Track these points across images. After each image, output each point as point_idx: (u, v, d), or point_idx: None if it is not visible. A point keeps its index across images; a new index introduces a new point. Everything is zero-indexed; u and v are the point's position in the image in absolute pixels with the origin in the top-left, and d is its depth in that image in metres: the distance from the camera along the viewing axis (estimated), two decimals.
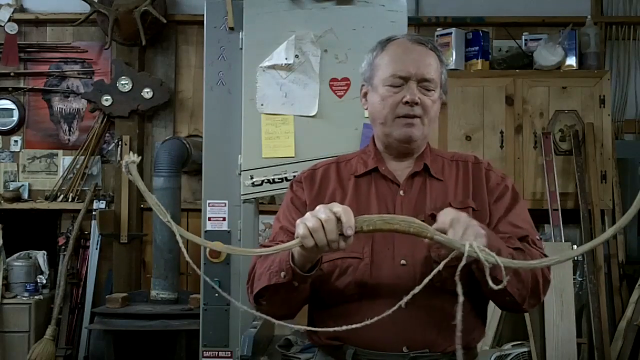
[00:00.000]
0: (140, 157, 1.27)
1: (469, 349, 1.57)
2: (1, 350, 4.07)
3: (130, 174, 1.25)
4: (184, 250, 1.29)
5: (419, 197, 1.59)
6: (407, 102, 1.55)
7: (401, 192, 1.59)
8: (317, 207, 1.37)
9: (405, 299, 1.34)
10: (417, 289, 1.34)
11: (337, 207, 1.35)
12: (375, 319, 1.35)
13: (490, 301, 1.59)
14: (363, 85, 1.68)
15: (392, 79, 1.58)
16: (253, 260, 1.59)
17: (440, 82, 1.63)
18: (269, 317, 1.42)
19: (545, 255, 1.54)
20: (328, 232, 1.33)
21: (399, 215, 1.44)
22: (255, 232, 2.85)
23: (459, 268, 1.32)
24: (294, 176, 2.64)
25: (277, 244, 1.55)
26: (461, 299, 1.31)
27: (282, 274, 1.43)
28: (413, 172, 1.62)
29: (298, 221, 1.37)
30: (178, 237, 1.29)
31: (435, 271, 1.34)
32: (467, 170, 1.65)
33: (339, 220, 1.34)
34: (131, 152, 1.28)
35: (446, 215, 1.39)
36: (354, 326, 1.35)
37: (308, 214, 1.37)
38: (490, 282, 1.30)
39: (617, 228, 1.30)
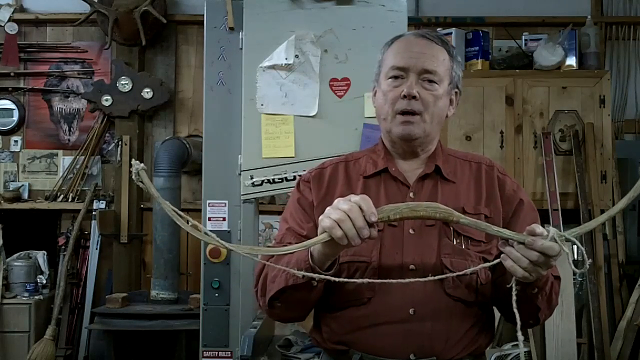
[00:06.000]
0: (142, 165, 1.26)
1: (477, 356, 1.55)
2: (1, 350, 4.07)
3: (142, 182, 1.24)
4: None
5: (429, 200, 1.52)
6: (404, 96, 1.51)
7: (411, 194, 1.54)
8: (336, 201, 1.34)
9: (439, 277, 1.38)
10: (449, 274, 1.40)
11: (354, 197, 1.33)
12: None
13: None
14: (374, 86, 1.63)
15: (392, 71, 1.54)
16: (260, 263, 1.54)
17: (451, 77, 1.58)
18: (279, 320, 1.38)
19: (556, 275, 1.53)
20: (354, 220, 1.30)
21: (423, 202, 1.40)
22: (255, 232, 2.85)
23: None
24: (294, 176, 2.67)
25: (285, 245, 1.51)
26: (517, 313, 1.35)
27: (301, 274, 1.38)
28: (424, 174, 1.57)
29: (321, 217, 1.34)
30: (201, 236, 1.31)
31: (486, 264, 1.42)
32: (480, 173, 1.60)
33: (360, 208, 1.31)
34: (135, 160, 1.27)
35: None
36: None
37: (329, 208, 1.33)
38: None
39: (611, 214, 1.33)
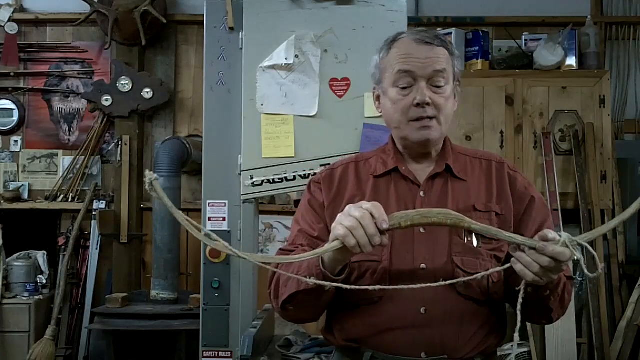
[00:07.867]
0: (155, 176, 1.26)
1: (488, 355, 1.55)
2: (1, 350, 4.07)
3: (155, 192, 1.24)
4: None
5: (440, 198, 1.53)
6: (418, 104, 1.50)
7: (421, 193, 1.54)
8: (347, 208, 1.35)
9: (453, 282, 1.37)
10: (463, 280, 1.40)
11: (366, 204, 1.33)
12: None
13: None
14: (374, 88, 1.63)
15: (399, 75, 1.52)
16: (273, 265, 1.52)
17: (454, 75, 1.58)
18: (292, 321, 1.38)
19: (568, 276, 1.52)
20: (366, 227, 1.30)
21: (434, 208, 1.41)
22: (255, 232, 2.85)
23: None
24: (294, 176, 2.67)
25: (297, 247, 1.53)
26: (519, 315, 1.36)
27: (312, 278, 1.38)
28: (434, 173, 1.56)
29: (334, 224, 1.35)
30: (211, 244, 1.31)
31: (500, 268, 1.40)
32: (490, 170, 1.59)
33: (371, 215, 1.32)
34: (148, 171, 1.28)
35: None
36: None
37: (340, 215, 1.34)
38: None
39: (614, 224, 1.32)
